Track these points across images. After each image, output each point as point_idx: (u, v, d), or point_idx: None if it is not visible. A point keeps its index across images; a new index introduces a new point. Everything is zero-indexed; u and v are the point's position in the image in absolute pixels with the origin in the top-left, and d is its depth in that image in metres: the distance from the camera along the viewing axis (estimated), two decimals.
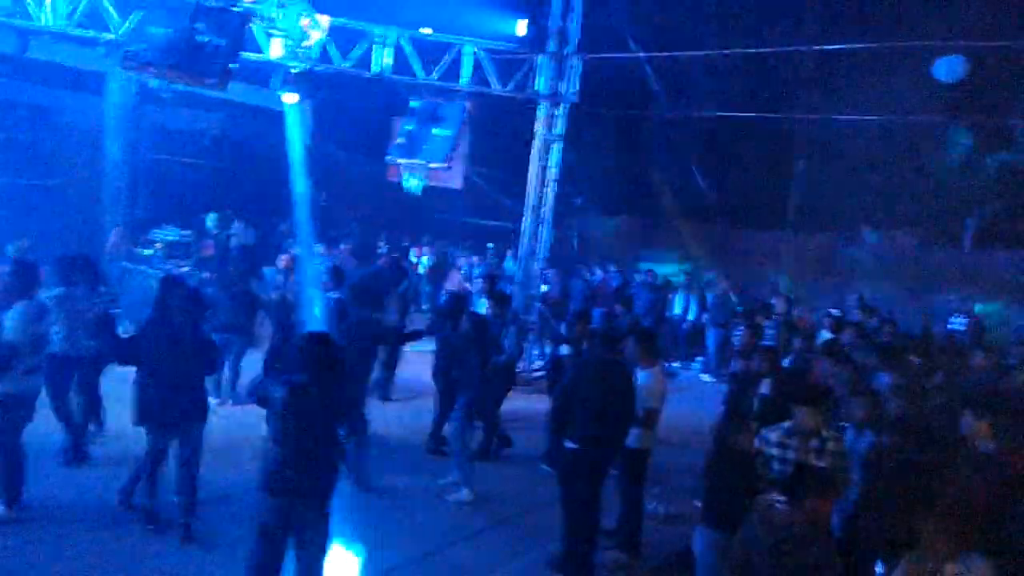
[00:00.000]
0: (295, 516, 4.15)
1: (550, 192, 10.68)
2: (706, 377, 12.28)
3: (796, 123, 17.88)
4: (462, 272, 13.50)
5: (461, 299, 8.45)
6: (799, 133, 19.19)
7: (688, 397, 9.90)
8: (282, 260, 9.63)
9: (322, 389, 4.22)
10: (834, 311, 10.13)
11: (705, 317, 12.79)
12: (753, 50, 13.79)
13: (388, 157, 11.12)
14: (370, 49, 9.82)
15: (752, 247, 18.02)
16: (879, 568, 3.74)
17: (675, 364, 12.44)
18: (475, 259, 14.92)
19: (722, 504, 4.48)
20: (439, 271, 14.67)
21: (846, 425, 5.43)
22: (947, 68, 9.61)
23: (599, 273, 14.62)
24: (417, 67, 10.02)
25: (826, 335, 9.01)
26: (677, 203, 18.06)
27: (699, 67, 15.04)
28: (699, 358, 12.95)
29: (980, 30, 12.10)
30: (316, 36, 9.00)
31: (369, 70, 9.90)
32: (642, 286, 13.31)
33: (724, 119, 17.07)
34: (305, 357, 4.28)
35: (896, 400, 5.68)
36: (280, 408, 4.18)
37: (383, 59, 9.87)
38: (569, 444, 5.30)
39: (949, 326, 12.87)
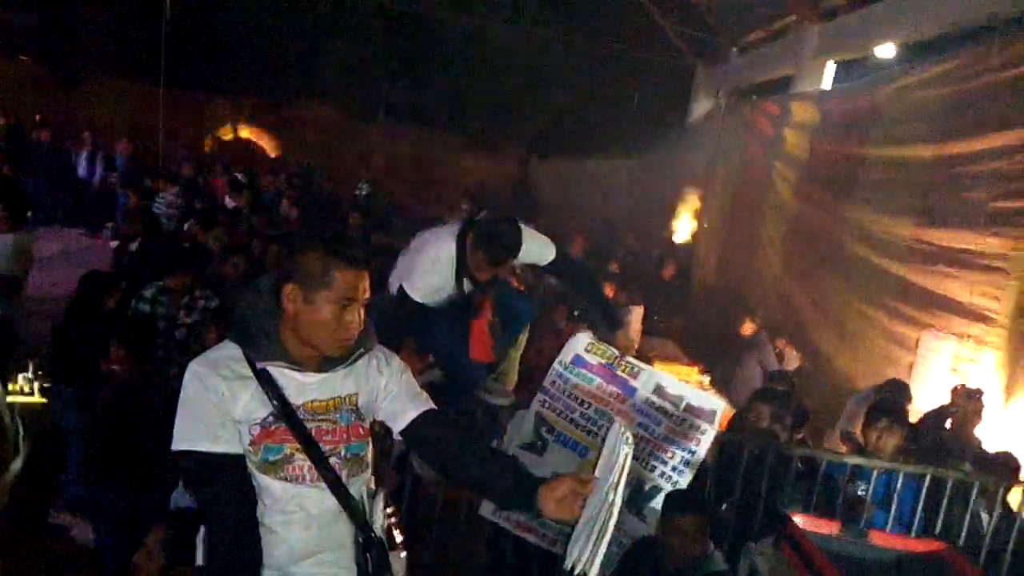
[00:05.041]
0: None
1: None
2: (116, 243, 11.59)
3: None
4: None
5: None
6: None
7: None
8: None
9: None
10: (239, 175, 10.49)
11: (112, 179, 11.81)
12: None
13: None
14: None
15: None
16: None
17: (81, 230, 11.44)
18: None
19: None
20: None
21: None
22: None
23: None
24: None
25: (230, 203, 9.23)
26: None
27: None
28: (110, 223, 12.06)
29: None
30: None
31: None
32: (37, 144, 11.66)
33: None
34: None
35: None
36: None
37: None
38: None
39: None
